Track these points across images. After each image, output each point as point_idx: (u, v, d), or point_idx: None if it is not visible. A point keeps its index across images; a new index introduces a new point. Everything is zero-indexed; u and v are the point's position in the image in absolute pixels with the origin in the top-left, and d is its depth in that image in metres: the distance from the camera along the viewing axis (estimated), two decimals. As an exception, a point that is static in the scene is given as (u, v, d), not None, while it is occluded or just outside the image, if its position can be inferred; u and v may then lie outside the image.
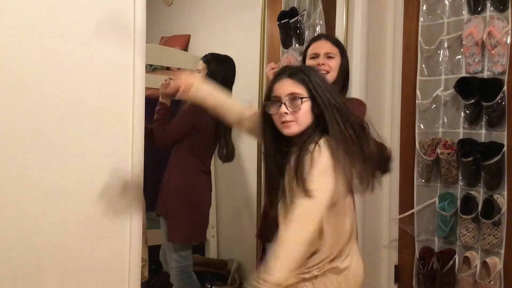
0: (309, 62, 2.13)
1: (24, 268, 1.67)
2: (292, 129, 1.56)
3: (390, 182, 2.99)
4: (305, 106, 1.56)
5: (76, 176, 1.78)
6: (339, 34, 2.85)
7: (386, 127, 2.99)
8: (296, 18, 3.02)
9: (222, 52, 2.78)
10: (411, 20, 2.91)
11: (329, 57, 2.10)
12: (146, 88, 2.00)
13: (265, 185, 1.78)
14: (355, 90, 2.82)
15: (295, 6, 3.06)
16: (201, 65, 2.68)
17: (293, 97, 1.56)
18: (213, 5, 3.82)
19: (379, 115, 2.98)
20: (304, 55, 2.20)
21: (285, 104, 1.55)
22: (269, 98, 1.62)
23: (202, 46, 3.61)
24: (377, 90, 2.95)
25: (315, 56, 2.12)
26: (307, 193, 1.48)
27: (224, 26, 3.66)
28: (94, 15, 1.81)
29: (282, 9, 3.12)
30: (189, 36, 4.06)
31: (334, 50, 2.12)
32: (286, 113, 1.55)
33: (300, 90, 1.56)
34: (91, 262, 1.83)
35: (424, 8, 2.83)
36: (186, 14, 4.13)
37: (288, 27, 3.03)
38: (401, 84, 2.96)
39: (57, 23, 1.72)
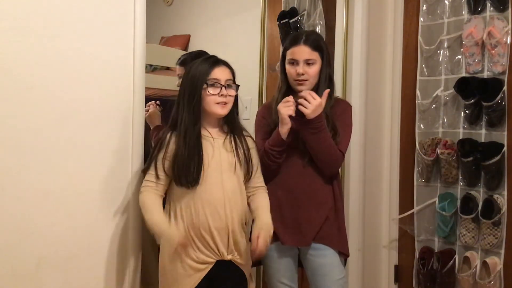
0: (288, 67, 2.07)
1: (24, 268, 1.67)
2: (226, 110, 1.85)
3: (390, 182, 2.99)
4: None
5: (76, 176, 1.78)
6: (339, 34, 2.86)
7: (386, 127, 3.00)
8: (296, 18, 3.02)
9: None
10: (411, 20, 2.91)
11: (309, 64, 2.03)
12: (146, 88, 2.01)
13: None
14: (355, 90, 2.82)
15: (295, 6, 3.06)
16: (178, 69, 2.65)
17: (230, 83, 1.86)
18: (213, 5, 3.82)
19: (379, 115, 2.98)
20: (283, 54, 2.12)
21: (225, 87, 1.83)
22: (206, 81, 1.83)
23: (202, 46, 3.60)
24: (377, 90, 2.95)
25: (294, 62, 2.04)
26: None
27: (224, 26, 3.66)
28: (94, 15, 1.81)
29: (282, 9, 3.12)
30: (189, 36, 4.06)
31: (313, 56, 2.03)
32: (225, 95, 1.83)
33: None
34: (91, 262, 1.83)
35: (424, 8, 2.83)
36: (186, 14, 4.13)
37: (288, 27, 3.03)
38: (401, 84, 2.96)
39: (57, 23, 1.72)
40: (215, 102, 1.82)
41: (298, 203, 2.02)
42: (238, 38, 3.50)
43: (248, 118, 3.26)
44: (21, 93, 1.65)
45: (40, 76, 1.69)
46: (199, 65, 1.84)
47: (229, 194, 1.82)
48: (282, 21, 3.05)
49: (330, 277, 2.00)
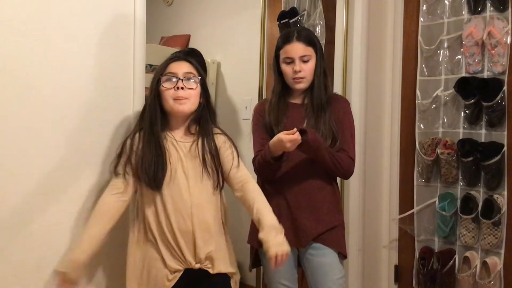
0: (284, 66, 2.03)
1: (24, 268, 1.67)
2: (186, 107, 1.73)
3: (390, 182, 2.99)
4: (198, 89, 1.77)
5: (76, 176, 1.78)
6: (339, 34, 2.86)
7: (386, 127, 3.00)
8: (296, 18, 3.02)
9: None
10: (411, 20, 2.91)
11: (304, 61, 2.01)
12: (146, 88, 2.01)
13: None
14: (355, 90, 2.82)
15: (295, 6, 3.06)
16: None
17: (189, 76, 1.74)
18: (213, 5, 3.82)
19: (379, 115, 2.98)
20: (276, 54, 2.08)
21: (182, 80, 1.72)
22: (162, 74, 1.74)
23: (202, 46, 3.61)
24: (377, 90, 2.95)
25: (290, 61, 2.02)
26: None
27: (224, 26, 3.66)
28: (94, 15, 1.81)
29: (282, 9, 3.12)
30: (189, 36, 4.06)
31: (308, 51, 2.01)
32: (182, 88, 1.71)
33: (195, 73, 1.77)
34: (91, 262, 1.83)
35: (424, 8, 2.83)
36: (186, 14, 4.12)
37: (288, 27, 3.03)
38: (401, 84, 2.96)
39: (57, 23, 1.73)
40: (173, 98, 1.71)
41: (297, 204, 2.01)
42: (238, 38, 3.49)
43: (248, 118, 3.26)
44: (21, 93, 1.65)
45: (40, 76, 1.69)
46: (161, 63, 1.78)
47: (196, 201, 1.72)
48: (282, 21, 3.05)
49: (330, 276, 2.00)
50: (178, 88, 1.71)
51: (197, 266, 1.74)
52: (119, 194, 1.73)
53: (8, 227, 1.63)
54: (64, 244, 1.75)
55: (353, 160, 2.03)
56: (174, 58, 1.78)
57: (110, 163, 1.81)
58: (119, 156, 1.75)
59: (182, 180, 1.72)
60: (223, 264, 1.79)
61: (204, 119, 1.79)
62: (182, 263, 1.73)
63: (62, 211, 1.75)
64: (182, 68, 1.75)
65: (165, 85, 1.73)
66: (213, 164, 1.76)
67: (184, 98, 1.72)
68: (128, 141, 1.76)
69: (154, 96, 1.74)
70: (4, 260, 1.63)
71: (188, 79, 1.73)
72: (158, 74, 1.75)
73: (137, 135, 1.76)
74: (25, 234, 1.67)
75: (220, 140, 1.81)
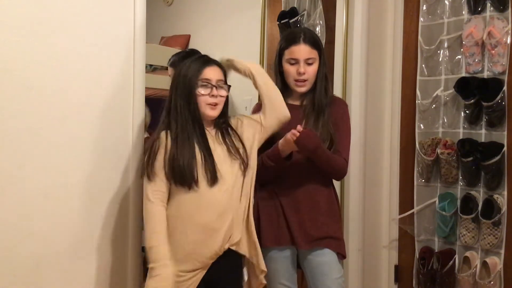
0: (287, 67, 2.03)
1: (24, 268, 1.67)
2: (216, 112, 1.82)
3: (390, 182, 2.99)
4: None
5: (76, 176, 1.78)
6: (339, 34, 2.86)
7: (386, 127, 3.00)
8: (296, 18, 3.02)
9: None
10: (411, 20, 2.91)
11: (309, 63, 2.01)
12: (146, 88, 2.01)
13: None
14: (355, 90, 2.82)
15: (295, 6, 3.07)
16: (170, 70, 2.64)
17: (221, 84, 1.83)
18: (213, 5, 3.82)
19: (379, 115, 2.98)
20: (280, 53, 2.07)
21: (216, 88, 1.80)
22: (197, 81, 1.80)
23: (202, 46, 3.61)
24: (377, 90, 2.95)
25: (294, 62, 2.02)
26: None
27: (224, 26, 3.66)
28: (94, 15, 1.82)
29: (282, 9, 3.13)
30: (189, 36, 4.06)
31: (313, 54, 2.02)
32: (215, 96, 1.80)
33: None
34: (92, 263, 1.83)
35: (424, 8, 2.83)
36: (186, 14, 4.13)
37: (288, 27, 3.03)
38: (401, 84, 2.96)
39: (57, 23, 1.73)
40: (206, 103, 1.79)
41: (297, 205, 2.01)
42: (238, 38, 3.50)
43: (248, 118, 3.26)
44: (21, 93, 1.65)
45: (40, 77, 1.69)
46: (190, 65, 1.80)
47: (231, 188, 1.78)
48: (282, 21, 3.05)
49: (329, 276, 2.00)
50: (212, 95, 1.79)
51: (226, 246, 1.78)
52: (163, 202, 1.75)
53: (8, 227, 1.63)
54: (64, 244, 1.75)
55: (347, 162, 2.04)
56: (207, 62, 1.83)
57: (110, 163, 1.81)
58: (149, 159, 1.75)
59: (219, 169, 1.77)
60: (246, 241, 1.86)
61: (224, 120, 1.88)
62: (210, 258, 1.76)
63: (62, 211, 1.75)
64: (216, 75, 1.82)
65: (201, 91, 1.78)
66: (234, 146, 1.83)
67: (216, 104, 1.81)
68: (156, 143, 1.76)
69: (195, 99, 1.78)
70: (4, 260, 1.63)
71: (221, 87, 1.82)
72: (193, 77, 1.78)
73: (162, 134, 1.77)
74: (25, 234, 1.67)
75: (233, 122, 1.91)
